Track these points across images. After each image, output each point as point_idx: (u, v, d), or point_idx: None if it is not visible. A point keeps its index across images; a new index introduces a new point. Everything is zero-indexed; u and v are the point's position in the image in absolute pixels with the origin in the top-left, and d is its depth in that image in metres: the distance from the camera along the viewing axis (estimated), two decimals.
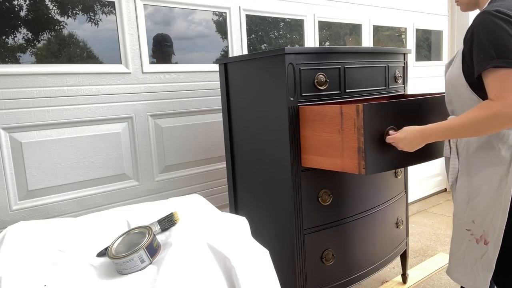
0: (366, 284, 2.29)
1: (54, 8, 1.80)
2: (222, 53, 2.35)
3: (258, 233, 1.42)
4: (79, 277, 1.03)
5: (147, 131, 2.02)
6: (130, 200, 1.98)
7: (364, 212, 1.81)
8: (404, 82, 2.00)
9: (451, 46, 3.79)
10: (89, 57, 1.90)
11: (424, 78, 3.44)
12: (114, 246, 1.10)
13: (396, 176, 1.97)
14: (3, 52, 1.69)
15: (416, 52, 3.45)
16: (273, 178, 1.70)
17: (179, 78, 2.09)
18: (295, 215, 1.60)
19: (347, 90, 1.67)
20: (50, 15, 1.79)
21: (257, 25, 2.51)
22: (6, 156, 1.67)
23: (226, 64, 1.85)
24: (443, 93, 1.43)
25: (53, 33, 1.81)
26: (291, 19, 2.62)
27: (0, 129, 1.65)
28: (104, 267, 1.09)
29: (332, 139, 1.46)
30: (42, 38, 1.79)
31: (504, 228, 1.22)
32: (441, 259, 2.55)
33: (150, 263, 1.06)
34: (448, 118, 1.34)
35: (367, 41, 3.03)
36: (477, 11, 1.30)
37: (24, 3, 1.71)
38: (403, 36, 3.40)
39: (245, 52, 2.36)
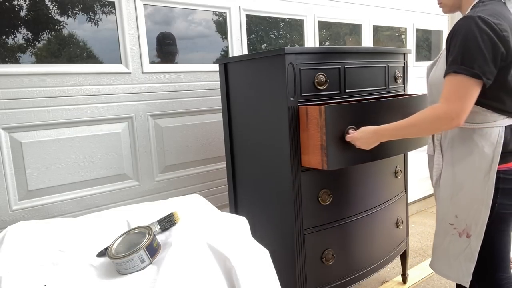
0: (366, 284, 2.29)
1: (54, 8, 1.80)
2: (222, 53, 2.35)
3: (258, 233, 1.42)
4: (79, 277, 1.03)
5: (147, 131, 2.02)
6: (130, 200, 1.98)
7: (364, 212, 1.81)
8: (404, 82, 2.00)
9: None
10: (89, 57, 1.90)
11: (424, 78, 3.43)
12: (114, 246, 1.10)
13: (396, 176, 1.97)
14: (3, 52, 1.69)
15: (416, 52, 3.45)
16: (273, 178, 1.70)
17: (179, 78, 2.09)
18: (295, 215, 1.60)
19: (347, 90, 1.67)
20: (50, 15, 1.79)
21: (257, 25, 2.51)
22: (6, 156, 1.68)
23: (226, 64, 1.86)
24: (409, 95, 1.46)
25: (53, 33, 1.81)
26: (291, 19, 2.62)
27: (0, 129, 1.65)
28: (104, 267, 1.09)
29: (303, 138, 1.58)
30: (42, 38, 1.79)
31: (486, 222, 1.27)
32: None
33: (150, 263, 1.06)
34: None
35: (367, 41, 3.03)
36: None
37: (24, 3, 1.71)
38: (403, 36, 3.40)
39: (245, 52, 2.36)
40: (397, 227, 2.03)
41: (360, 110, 1.53)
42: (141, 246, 1.05)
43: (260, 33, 2.56)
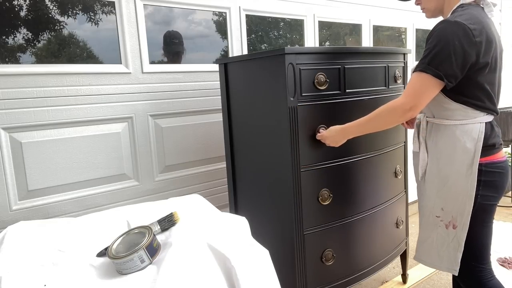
0: (366, 284, 2.29)
1: (54, 8, 1.80)
2: (222, 53, 2.35)
3: (258, 233, 1.42)
4: (79, 277, 1.03)
5: (147, 131, 2.02)
6: (130, 200, 1.98)
7: (364, 212, 1.81)
8: (404, 82, 2.00)
9: None
10: (89, 57, 1.90)
11: None
12: (114, 246, 1.10)
13: (396, 176, 1.97)
14: (3, 52, 1.69)
15: (416, 52, 3.45)
16: (273, 178, 1.70)
17: (179, 78, 2.09)
18: (295, 215, 1.60)
19: (347, 90, 1.67)
20: (50, 15, 1.79)
21: (257, 25, 2.51)
22: (6, 156, 1.67)
23: (226, 64, 1.85)
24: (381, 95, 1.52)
25: (53, 33, 1.81)
26: (291, 19, 2.62)
27: (0, 129, 1.65)
28: (104, 267, 1.09)
29: None
30: (42, 38, 1.79)
31: (471, 213, 1.33)
32: None
33: (150, 263, 1.06)
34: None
35: (367, 41, 3.03)
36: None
37: (24, 3, 1.71)
38: (403, 36, 3.40)
39: (245, 52, 2.36)
40: (397, 227, 2.03)
41: (332, 109, 1.62)
42: (141, 246, 1.05)
43: (260, 33, 2.56)
